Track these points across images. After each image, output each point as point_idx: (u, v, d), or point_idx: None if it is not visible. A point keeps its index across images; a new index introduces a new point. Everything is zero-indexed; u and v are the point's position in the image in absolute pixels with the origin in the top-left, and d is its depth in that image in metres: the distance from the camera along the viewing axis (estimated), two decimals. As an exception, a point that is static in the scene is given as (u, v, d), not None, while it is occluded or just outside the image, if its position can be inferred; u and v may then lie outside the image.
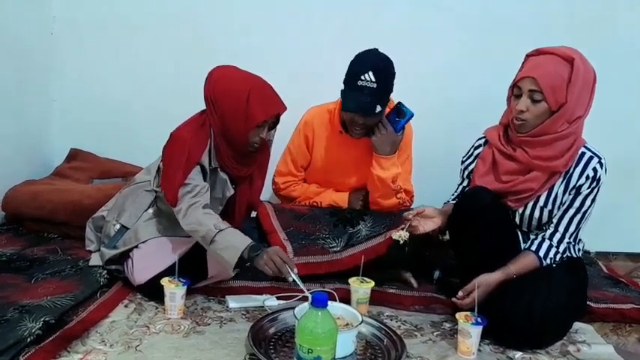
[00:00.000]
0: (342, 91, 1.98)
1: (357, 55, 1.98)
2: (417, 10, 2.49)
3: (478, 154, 1.85)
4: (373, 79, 1.89)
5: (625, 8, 2.48)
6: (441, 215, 1.79)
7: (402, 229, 1.74)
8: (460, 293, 1.65)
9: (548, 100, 1.60)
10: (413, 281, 1.97)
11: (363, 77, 1.90)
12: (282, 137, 2.17)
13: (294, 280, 1.58)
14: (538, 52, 1.67)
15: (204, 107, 1.80)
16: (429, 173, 2.32)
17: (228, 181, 1.85)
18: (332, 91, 2.02)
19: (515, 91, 1.67)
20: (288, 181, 2.23)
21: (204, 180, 1.78)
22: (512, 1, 2.49)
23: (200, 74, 1.81)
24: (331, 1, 2.48)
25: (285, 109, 1.80)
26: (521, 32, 2.40)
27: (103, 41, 2.54)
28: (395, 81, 1.99)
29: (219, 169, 1.82)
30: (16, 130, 2.35)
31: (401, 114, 2.00)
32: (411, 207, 2.17)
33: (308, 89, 2.33)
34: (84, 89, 2.57)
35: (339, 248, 1.97)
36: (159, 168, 1.83)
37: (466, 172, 1.89)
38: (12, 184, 2.22)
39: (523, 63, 1.69)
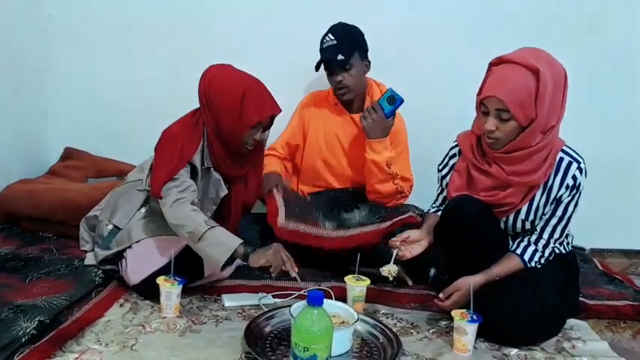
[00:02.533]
0: None
1: None
2: (417, 9, 2.49)
3: (453, 164, 1.80)
4: (332, 38, 2.11)
5: (624, 8, 2.47)
6: (427, 236, 1.77)
7: (392, 256, 1.74)
8: (441, 295, 1.64)
9: (517, 117, 1.52)
10: (408, 279, 1.97)
11: (324, 40, 2.12)
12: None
13: (295, 277, 1.64)
14: (500, 61, 1.57)
15: (199, 106, 1.80)
16: (428, 173, 2.32)
17: (222, 181, 1.84)
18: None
19: (482, 108, 1.60)
20: (268, 154, 2.27)
21: (195, 179, 1.77)
22: (512, 2, 2.48)
23: (197, 73, 1.80)
24: (331, 1, 2.48)
25: (279, 111, 1.80)
26: (521, 32, 2.39)
27: (99, 40, 2.53)
28: (369, 45, 2.13)
29: (212, 169, 1.82)
30: (11, 128, 2.34)
31: (391, 100, 2.03)
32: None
33: (307, 88, 2.34)
34: (79, 88, 2.56)
35: (329, 227, 2.03)
36: (151, 166, 1.81)
37: (444, 182, 1.84)
38: (7, 183, 2.21)
39: (487, 73, 1.62)
